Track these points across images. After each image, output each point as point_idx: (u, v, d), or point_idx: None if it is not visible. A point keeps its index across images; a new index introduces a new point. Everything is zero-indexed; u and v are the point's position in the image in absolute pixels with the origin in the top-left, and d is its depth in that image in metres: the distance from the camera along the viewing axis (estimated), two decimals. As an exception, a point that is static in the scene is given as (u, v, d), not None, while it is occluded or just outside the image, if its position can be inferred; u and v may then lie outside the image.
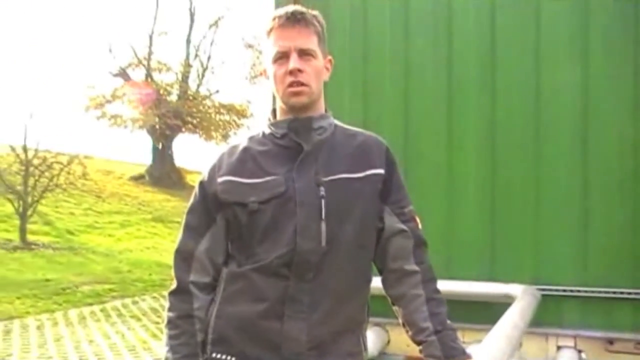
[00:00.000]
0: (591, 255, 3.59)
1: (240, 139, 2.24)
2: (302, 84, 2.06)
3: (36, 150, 18.45)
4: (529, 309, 3.12)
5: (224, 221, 2.11)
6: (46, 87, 35.14)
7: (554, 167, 3.67)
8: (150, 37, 28.98)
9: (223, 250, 2.14)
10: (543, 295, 3.49)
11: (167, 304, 2.15)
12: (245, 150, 2.13)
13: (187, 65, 29.42)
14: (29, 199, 17.47)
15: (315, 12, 2.12)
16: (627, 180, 3.56)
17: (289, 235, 2.03)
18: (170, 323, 2.11)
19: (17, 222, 16.99)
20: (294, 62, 2.05)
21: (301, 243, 2.03)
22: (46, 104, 33.40)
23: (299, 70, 2.04)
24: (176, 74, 29.58)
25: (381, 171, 2.14)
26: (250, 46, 29.22)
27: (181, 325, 2.10)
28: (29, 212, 17.34)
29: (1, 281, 12.30)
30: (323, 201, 2.05)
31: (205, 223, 2.13)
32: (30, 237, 16.92)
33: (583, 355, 3.56)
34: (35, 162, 18.26)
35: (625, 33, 3.61)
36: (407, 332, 2.17)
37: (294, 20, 2.07)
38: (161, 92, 28.55)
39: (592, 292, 3.55)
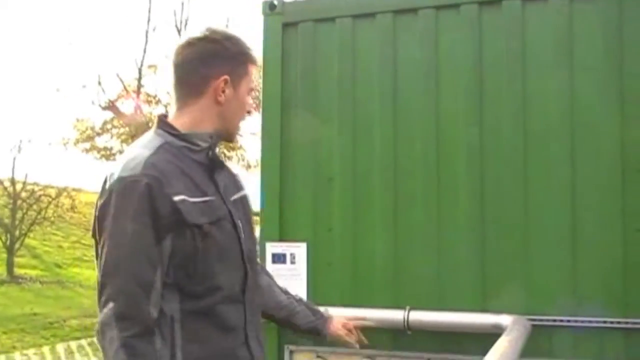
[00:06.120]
0: (581, 284, 3.59)
1: (143, 148, 2.02)
2: None
3: (24, 183, 18.38)
4: (520, 339, 3.11)
5: (171, 245, 1.90)
6: (34, 119, 35.13)
7: (543, 197, 3.68)
8: (140, 70, 29.06)
9: (164, 278, 1.91)
10: (533, 326, 3.47)
11: (123, 352, 1.79)
12: (172, 163, 1.99)
13: (176, 98, 29.43)
14: (17, 232, 17.35)
15: None
16: (616, 209, 3.57)
17: (238, 259, 2.08)
18: None
19: (5, 255, 16.85)
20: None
21: (249, 265, 2.12)
22: (34, 136, 33.31)
23: None
24: (165, 106, 29.63)
25: (247, 192, 2.31)
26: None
27: None
28: (17, 246, 17.21)
29: (-12, 316, 12.17)
30: (239, 222, 2.14)
31: (157, 246, 1.88)
32: (17, 271, 16.78)
33: (574, 385, 3.55)
34: (23, 195, 18.18)
35: (610, 37, 3.65)
36: (273, 318, 2.47)
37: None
38: (150, 124, 28.55)
39: (583, 322, 3.54)
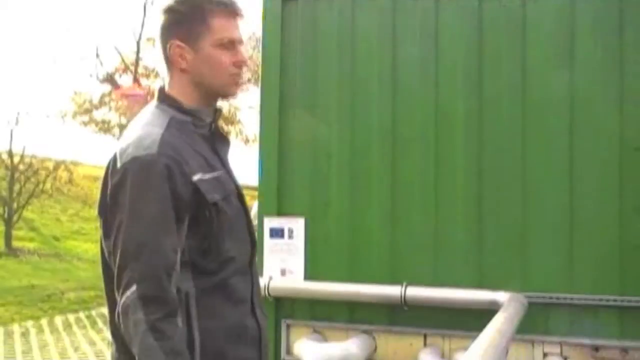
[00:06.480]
0: (578, 262, 3.60)
1: (152, 125, 1.97)
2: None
3: (22, 156, 18.36)
4: (516, 316, 3.13)
5: (188, 225, 1.89)
6: (32, 91, 35.00)
7: (542, 177, 3.68)
8: (138, 43, 28.89)
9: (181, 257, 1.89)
10: (530, 303, 3.49)
11: (151, 336, 1.74)
12: (183, 141, 1.96)
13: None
14: (15, 205, 17.36)
15: None
16: (613, 188, 3.58)
17: (245, 231, 2.09)
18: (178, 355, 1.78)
19: (2, 228, 16.87)
20: (244, 54, 2.09)
21: (254, 236, 2.15)
22: (32, 109, 33.20)
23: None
24: (163, 79, 29.43)
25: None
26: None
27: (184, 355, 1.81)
28: (15, 218, 17.22)
29: (-14, 288, 12.21)
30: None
31: (177, 227, 1.86)
32: (15, 244, 16.81)
33: (569, 361, 3.58)
34: (21, 167, 18.17)
35: (611, 36, 3.64)
36: None
37: (237, 11, 2.07)
38: (149, 98, 28.44)
39: (579, 299, 3.57)
